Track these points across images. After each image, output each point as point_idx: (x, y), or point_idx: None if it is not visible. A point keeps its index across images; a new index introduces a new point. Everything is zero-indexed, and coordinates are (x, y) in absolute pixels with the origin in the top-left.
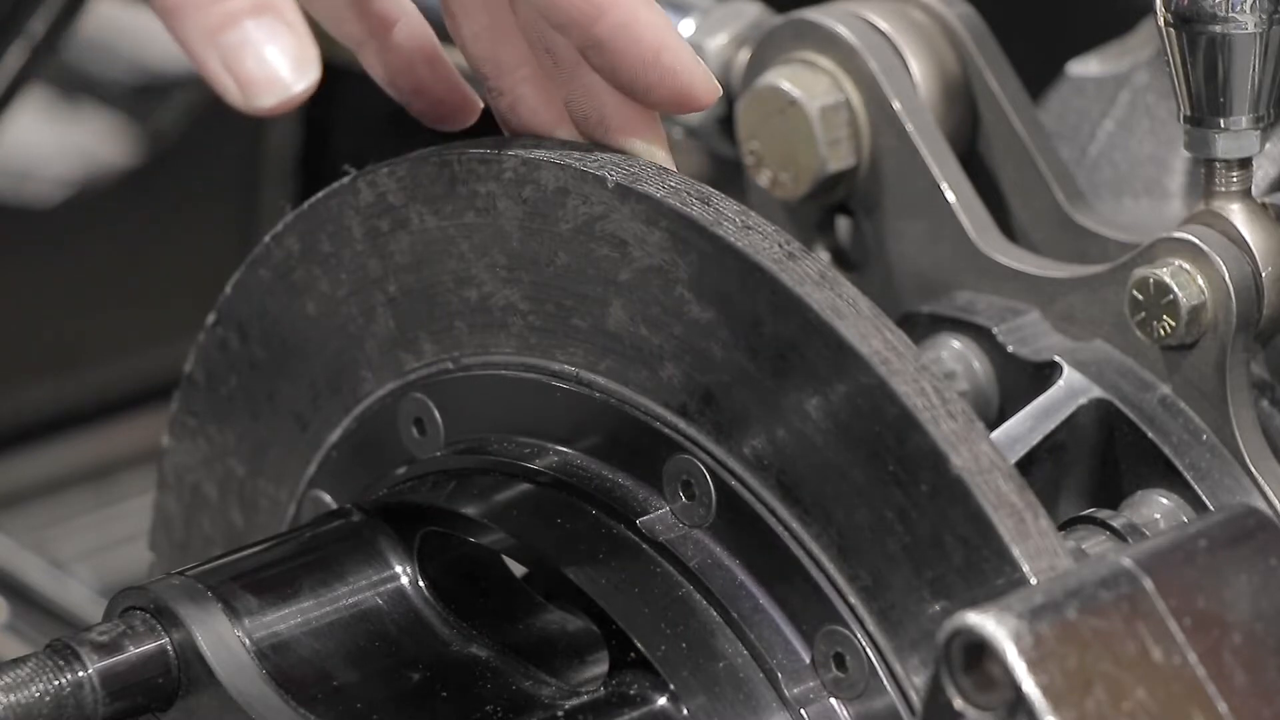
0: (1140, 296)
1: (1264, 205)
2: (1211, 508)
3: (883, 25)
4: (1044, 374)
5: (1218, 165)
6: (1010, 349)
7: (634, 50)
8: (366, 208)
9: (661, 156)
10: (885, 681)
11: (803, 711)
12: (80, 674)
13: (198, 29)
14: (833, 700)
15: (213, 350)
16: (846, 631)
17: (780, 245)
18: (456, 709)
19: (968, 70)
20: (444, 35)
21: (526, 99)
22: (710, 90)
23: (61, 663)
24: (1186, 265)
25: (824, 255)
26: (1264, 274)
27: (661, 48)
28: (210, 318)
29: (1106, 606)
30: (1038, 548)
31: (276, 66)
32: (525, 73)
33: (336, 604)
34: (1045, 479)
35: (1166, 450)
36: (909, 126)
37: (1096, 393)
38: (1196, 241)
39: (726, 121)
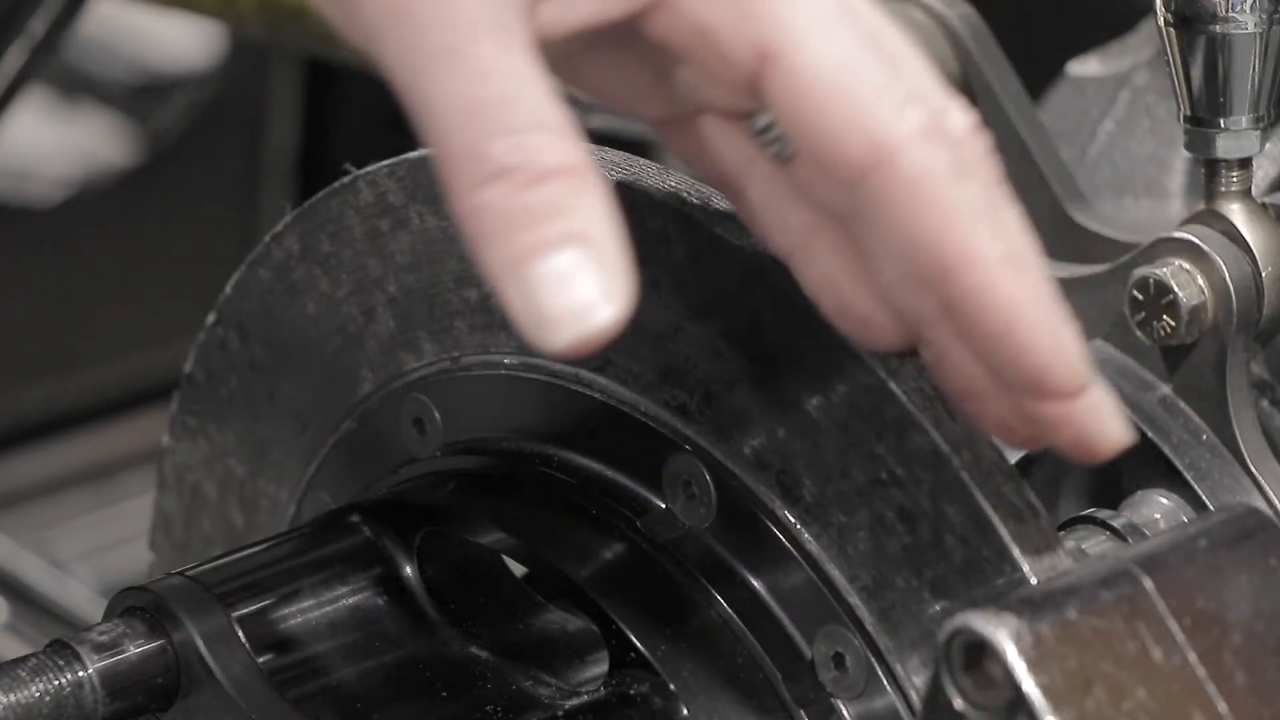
0: (1140, 296)
1: (1264, 205)
2: (1211, 508)
3: None
4: None
5: (1218, 165)
6: None
7: (983, 319)
8: (366, 208)
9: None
10: (885, 681)
11: (802, 711)
12: (80, 674)
13: (497, 259)
14: (832, 700)
15: (213, 350)
16: (846, 631)
17: None
18: (456, 709)
19: (968, 70)
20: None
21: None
22: (1071, 376)
23: (61, 663)
24: (1186, 265)
25: None
26: (1264, 274)
27: (1014, 321)
28: (210, 318)
29: (1106, 606)
30: (1038, 548)
31: (576, 303)
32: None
33: (336, 604)
34: (1045, 479)
35: (1166, 450)
36: None
37: None
38: (1196, 241)
39: None
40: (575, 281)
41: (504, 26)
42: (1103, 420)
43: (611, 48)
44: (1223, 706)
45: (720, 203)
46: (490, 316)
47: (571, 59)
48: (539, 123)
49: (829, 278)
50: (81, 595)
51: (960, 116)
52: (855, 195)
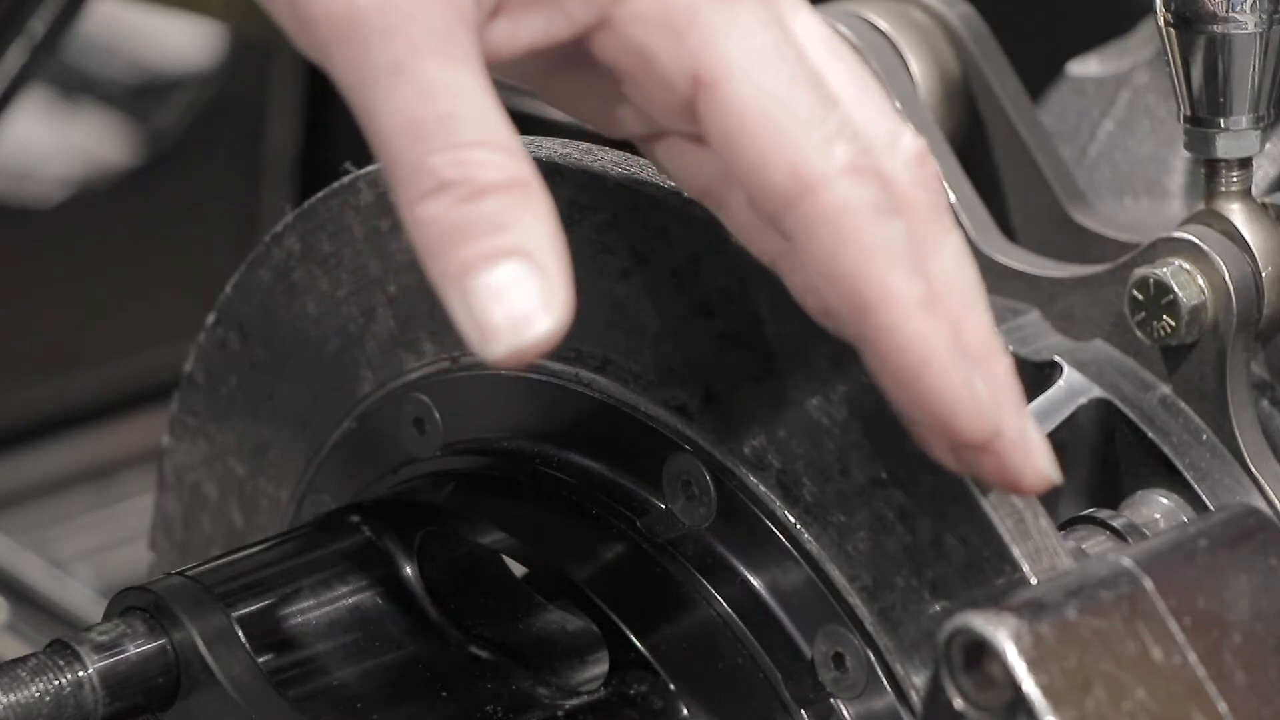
0: (1140, 296)
1: (1264, 205)
2: (1211, 508)
3: (883, 25)
4: (1044, 374)
5: (1218, 165)
6: (1010, 349)
7: (894, 360)
8: (366, 208)
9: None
10: (885, 681)
11: (802, 711)
12: (80, 674)
13: (438, 272)
14: (832, 700)
15: (213, 350)
16: (846, 631)
17: None
18: (456, 709)
19: (968, 70)
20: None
21: None
22: (978, 425)
23: (61, 663)
24: (1186, 265)
25: None
26: (1264, 274)
27: (923, 365)
28: (210, 318)
29: (1106, 606)
30: (1038, 548)
31: (515, 314)
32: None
33: (336, 604)
34: None
35: (1166, 450)
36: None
37: (1096, 393)
38: (1196, 241)
39: None
40: (514, 294)
41: (450, 44)
42: (1025, 458)
43: (574, 67)
44: (1223, 706)
45: None
46: None
47: (544, 78)
48: (481, 139)
49: (811, 284)
50: (81, 595)
51: (907, 147)
52: (782, 224)
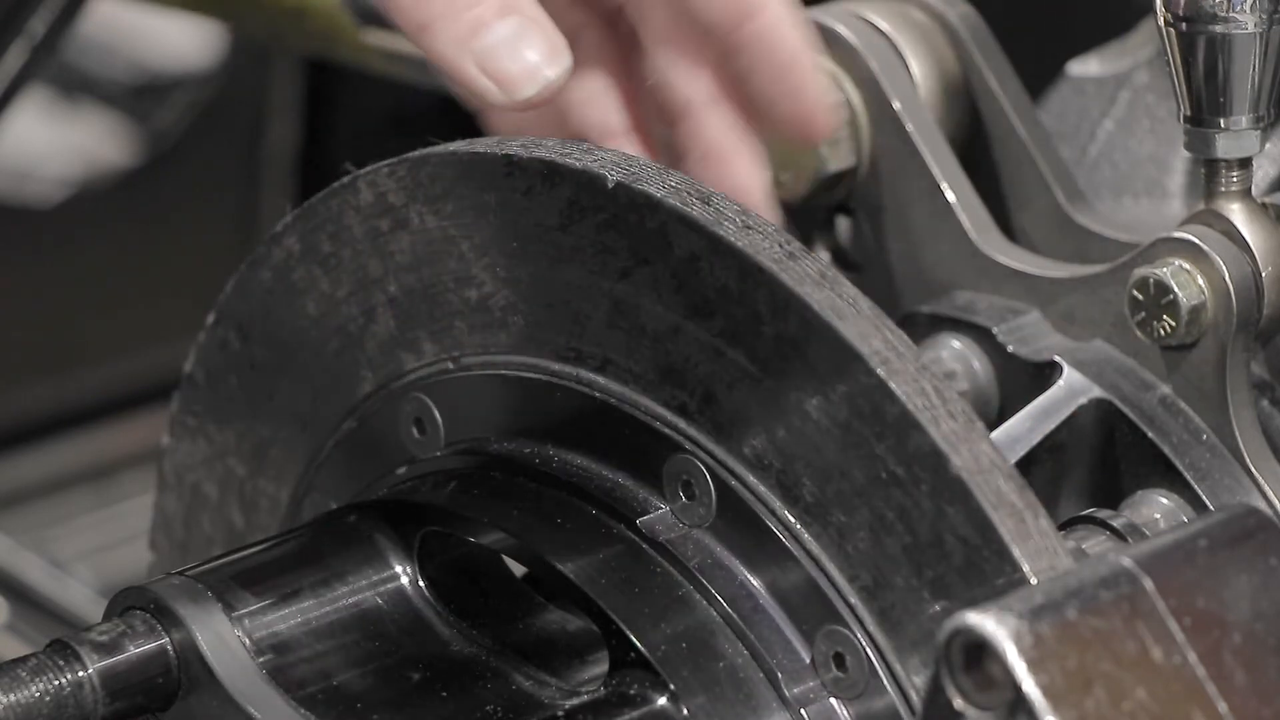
0: (1140, 296)
1: (1264, 205)
2: (1211, 508)
3: (883, 25)
4: (1044, 374)
5: (1218, 165)
6: (1010, 349)
7: (770, 58)
8: (366, 208)
9: (757, 198)
10: (885, 681)
11: (803, 711)
12: (80, 674)
13: (450, 40)
14: (833, 700)
15: (213, 350)
16: (846, 631)
17: (780, 245)
18: (456, 709)
19: (968, 70)
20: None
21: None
22: (826, 125)
23: (61, 663)
24: (1186, 265)
25: (824, 255)
26: (1264, 274)
27: (795, 63)
28: (210, 318)
29: (1106, 606)
30: (1038, 548)
31: (530, 60)
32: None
33: (336, 604)
34: (1045, 479)
35: (1166, 450)
36: (909, 126)
37: (1096, 393)
38: (1196, 241)
39: None
40: (521, 45)
41: None
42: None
43: None
44: (1223, 706)
45: (720, 202)
46: (490, 316)
47: None
48: None
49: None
50: (81, 595)
51: None
52: None
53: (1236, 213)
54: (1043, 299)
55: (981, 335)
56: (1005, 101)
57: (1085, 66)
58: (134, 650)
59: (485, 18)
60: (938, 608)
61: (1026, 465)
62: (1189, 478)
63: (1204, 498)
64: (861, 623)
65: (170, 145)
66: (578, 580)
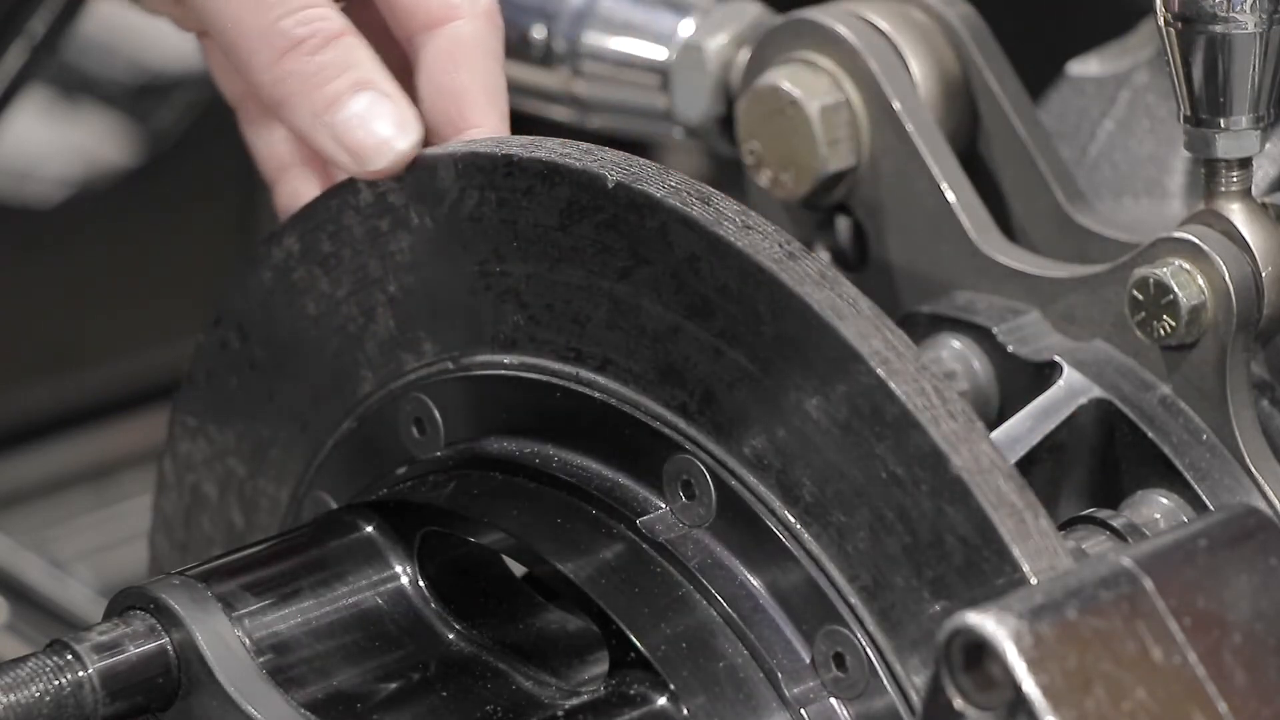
0: (1140, 296)
1: (1264, 205)
2: (1211, 508)
3: (883, 25)
4: (1044, 374)
5: (1218, 165)
6: (1010, 349)
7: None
8: (366, 208)
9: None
10: (885, 681)
11: (803, 711)
12: (80, 674)
13: (307, 114)
14: (833, 700)
15: (213, 350)
16: (846, 631)
17: (780, 245)
18: (456, 709)
19: (968, 70)
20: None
21: None
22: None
23: (61, 663)
24: (1186, 265)
25: (824, 255)
26: (1264, 274)
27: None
28: (210, 318)
29: (1106, 606)
30: (1038, 548)
31: (382, 133)
32: None
33: (336, 604)
34: (1045, 479)
35: (1166, 450)
36: (909, 126)
37: (1096, 393)
38: (1196, 241)
39: (727, 121)
40: (373, 119)
41: None
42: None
43: None
44: (1223, 706)
45: (720, 202)
46: (490, 316)
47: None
48: (307, 1)
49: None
50: (81, 595)
51: None
52: None
53: (1236, 213)
54: (1043, 299)
55: (981, 335)
56: (1005, 101)
57: (1085, 66)
58: (134, 650)
59: (340, 92)
60: (938, 608)
61: (1026, 465)
62: (1189, 478)
63: (1204, 498)
64: (861, 623)
65: (170, 145)
66: (578, 580)
